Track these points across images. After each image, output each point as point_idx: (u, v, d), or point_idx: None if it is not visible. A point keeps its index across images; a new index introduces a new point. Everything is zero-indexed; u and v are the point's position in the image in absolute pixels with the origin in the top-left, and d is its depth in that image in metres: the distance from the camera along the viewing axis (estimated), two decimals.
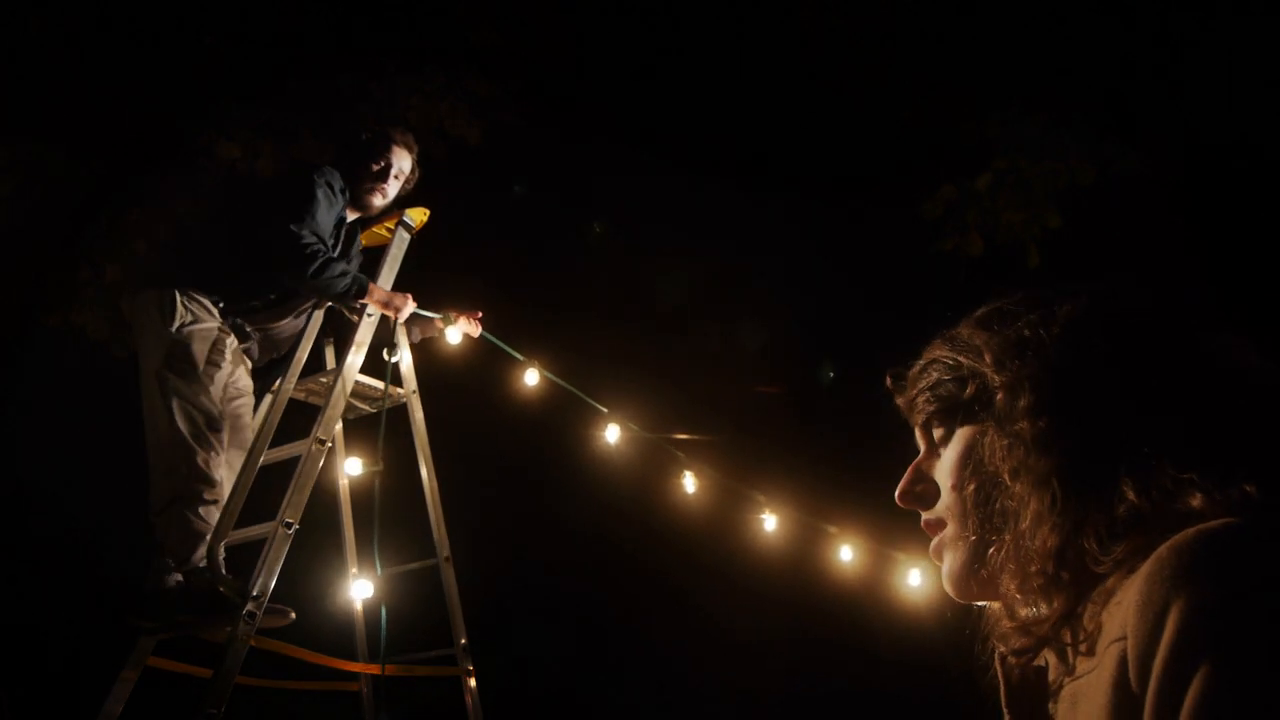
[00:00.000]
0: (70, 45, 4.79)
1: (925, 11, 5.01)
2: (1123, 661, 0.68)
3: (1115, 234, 4.89)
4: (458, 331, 3.71)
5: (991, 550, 0.85)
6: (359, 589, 3.62)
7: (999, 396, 0.86)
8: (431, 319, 3.67)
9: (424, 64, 5.31)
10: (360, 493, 3.87)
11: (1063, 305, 0.88)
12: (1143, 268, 4.56)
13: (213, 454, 3.04)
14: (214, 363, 3.12)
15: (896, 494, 0.97)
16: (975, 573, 0.87)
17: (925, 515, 0.95)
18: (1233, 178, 4.82)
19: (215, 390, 3.12)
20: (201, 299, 3.17)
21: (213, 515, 3.03)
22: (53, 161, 4.88)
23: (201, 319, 3.15)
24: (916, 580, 4.07)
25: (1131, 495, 0.76)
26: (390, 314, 3.45)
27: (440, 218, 3.74)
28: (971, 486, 0.88)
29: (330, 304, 3.48)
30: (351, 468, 3.79)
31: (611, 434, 4.19)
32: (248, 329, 3.30)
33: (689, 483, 4.34)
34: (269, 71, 5.11)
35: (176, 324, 3.10)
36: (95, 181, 5.02)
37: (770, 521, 4.33)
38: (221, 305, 3.21)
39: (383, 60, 5.27)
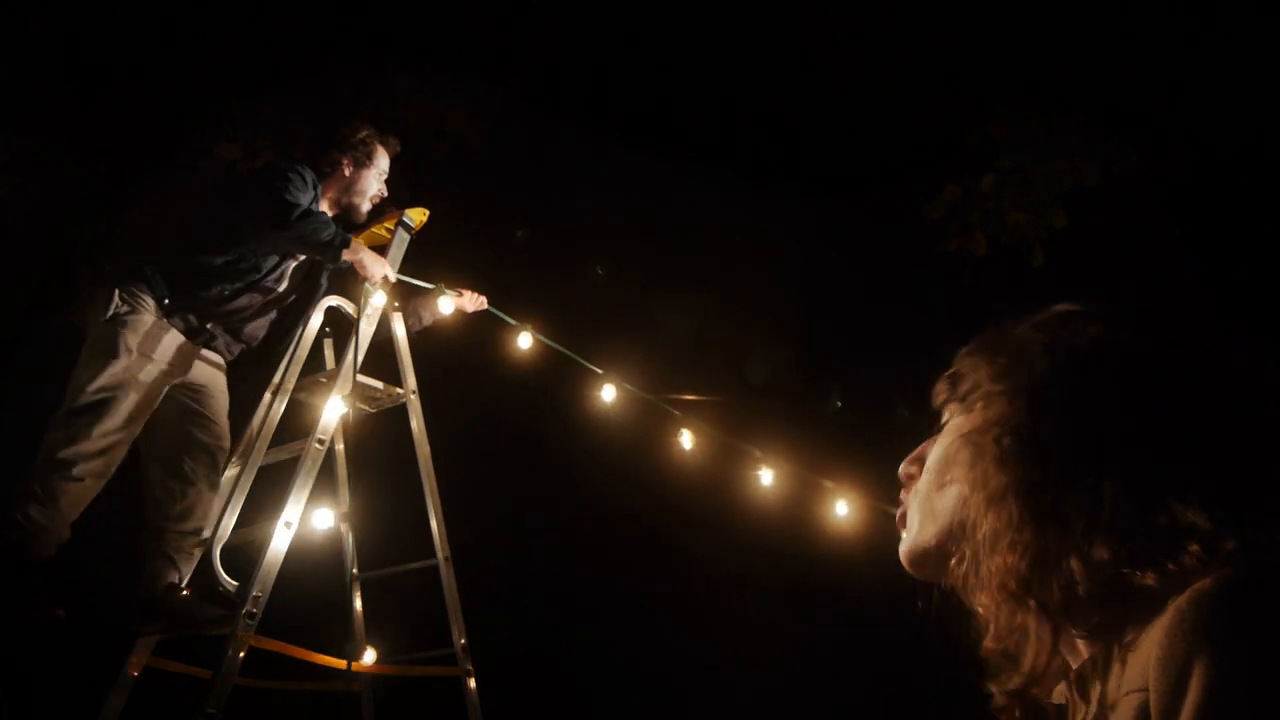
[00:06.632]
0: (70, 44, 4.79)
1: (928, 11, 5.00)
2: (1143, 713, 0.67)
3: (1120, 234, 4.87)
4: (450, 302, 3.71)
5: (953, 561, 0.86)
6: (319, 518, 3.29)
7: (978, 404, 0.87)
8: (426, 291, 3.66)
9: (424, 64, 5.30)
10: (361, 490, 3.85)
11: (1078, 332, 0.86)
12: (1146, 267, 4.55)
13: (85, 443, 2.97)
14: (144, 354, 3.08)
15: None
16: (928, 561, 0.90)
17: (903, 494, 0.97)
18: (1236, 178, 4.80)
19: (130, 377, 3.05)
20: (141, 294, 3.14)
21: (64, 490, 2.94)
22: (53, 160, 4.88)
23: (137, 310, 3.12)
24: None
25: (1123, 517, 0.74)
26: (368, 277, 3.38)
27: (438, 217, 3.73)
28: (933, 486, 0.90)
29: (329, 306, 3.46)
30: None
31: (607, 394, 4.17)
32: (208, 325, 3.26)
33: (686, 440, 4.30)
34: (269, 71, 5.10)
35: (110, 313, 3.09)
36: (95, 181, 5.02)
37: (767, 476, 4.30)
38: (168, 301, 3.17)
39: (383, 60, 5.26)
